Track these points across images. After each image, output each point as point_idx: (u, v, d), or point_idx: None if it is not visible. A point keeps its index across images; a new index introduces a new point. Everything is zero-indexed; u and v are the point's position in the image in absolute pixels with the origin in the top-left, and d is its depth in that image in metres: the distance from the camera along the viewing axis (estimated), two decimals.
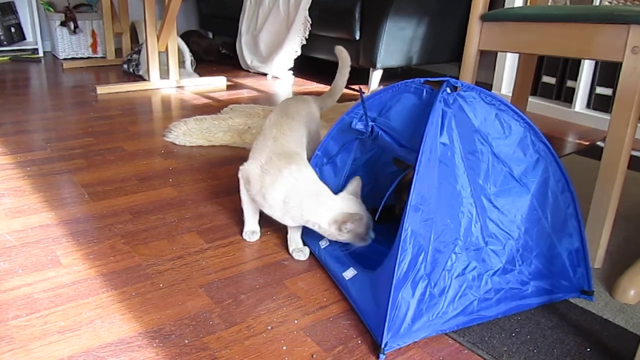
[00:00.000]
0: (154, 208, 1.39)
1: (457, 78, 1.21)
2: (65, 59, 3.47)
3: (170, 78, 2.80)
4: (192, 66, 3.11)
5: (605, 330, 0.97)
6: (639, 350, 0.83)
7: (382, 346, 0.87)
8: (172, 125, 2.03)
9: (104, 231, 1.26)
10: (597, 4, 2.28)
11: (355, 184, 1.13)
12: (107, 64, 3.38)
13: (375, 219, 1.10)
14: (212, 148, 1.88)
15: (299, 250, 1.18)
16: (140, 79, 2.88)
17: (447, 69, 3.35)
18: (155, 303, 1.00)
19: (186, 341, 0.90)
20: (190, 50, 3.15)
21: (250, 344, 0.90)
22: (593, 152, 2.00)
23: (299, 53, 2.98)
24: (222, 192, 1.51)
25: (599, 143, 2.12)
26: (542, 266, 1.02)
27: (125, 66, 3.07)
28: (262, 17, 3.14)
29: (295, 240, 1.19)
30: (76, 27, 3.44)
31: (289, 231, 1.20)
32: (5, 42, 3.52)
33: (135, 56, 2.99)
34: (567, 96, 2.52)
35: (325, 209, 1.07)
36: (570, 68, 2.49)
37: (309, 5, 2.84)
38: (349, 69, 1.52)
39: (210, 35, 4.16)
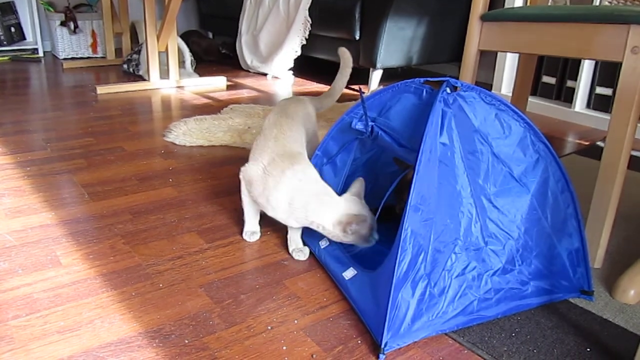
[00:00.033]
0: (154, 208, 1.39)
1: (457, 78, 1.21)
2: (65, 59, 3.47)
3: (170, 78, 2.80)
4: (192, 66, 3.11)
5: (605, 330, 0.97)
6: (639, 350, 0.83)
7: (382, 346, 0.87)
8: (172, 125, 2.03)
9: (104, 231, 1.26)
10: (597, 4, 2.28)
11: (358, 185, 1.13)
12: (107, 64, 3.38)
13: (375, 219, 1.10)
14: (212, 148, 1.88)
15: (299, 250, 1.18)
16: (140, 79, 2.88)
17: (447, 69, 3.35)
18: (155, 303, 1.00)
19: (186, 341, 0.90)
20: (190, 50, 3.15)
21: (250, 344, 0.90)
22: (593, 152, 2.00)
23: (299, 53, 2.98)
24: (222, 192, 1.51)
25: (599, 143, 2.12)
26: (542, 266, 1.02)
27: (125, 66, 3.07)
28: (262, 17, 3.14)
29: (295, 240, 1.19)
30: (76, 27, 3.44)
31: (289, 231, 1.20)
32: (5, 42, 3.53)
33: (135, 56, 2.99)
34: (567, 96, 2.52)
35: (330, 210, 1.07)
36: (570, 68, 2.49)
37: (309, 5, 2.84)
38: (350, 71, 1.51)
39: (210, 35, 4.16)
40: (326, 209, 1.07)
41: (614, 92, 2.19)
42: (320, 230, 1.09)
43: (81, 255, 1.15)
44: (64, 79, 2.93)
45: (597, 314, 1.01)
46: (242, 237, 1.24)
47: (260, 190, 1.13)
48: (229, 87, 2.87)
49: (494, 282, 0.98)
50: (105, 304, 0.99)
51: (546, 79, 2.60)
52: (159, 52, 2.75)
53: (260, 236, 1.26)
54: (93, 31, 3.55)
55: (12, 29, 3.58)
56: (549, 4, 1.97)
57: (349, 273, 1.06)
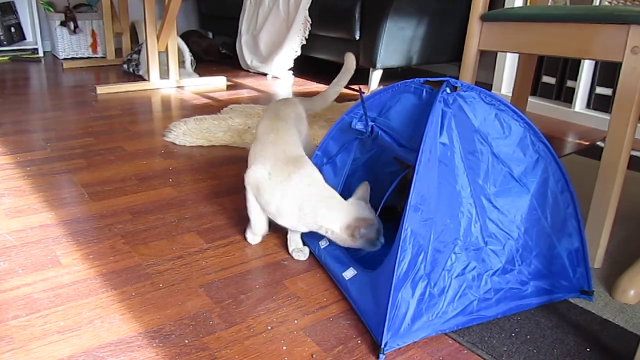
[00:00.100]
0: (154, 208, 1.39)
1: (457, 78, 1.21)
2: (65, 59, 3.47)
3: (170, 78, 2.80)
4: (192, 66, 3.11)
5: (605, 330, 0.97)
6: (638, 350, 0.83)
7: (382, 346, 0.87)
8: (172, 125, 2.03)
9: (104, 231, 1.26)
10: (597, 4, 2.28)
11: (363, 189, 1.13)
12: (107, 64, 3.38)
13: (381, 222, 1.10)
14: (212, 148, 1.89)
15: (298, 250, 1.18)
16: (140, 79, 2.88)
17: (447, 69, 3.35)
18: (155, 303, 1.00)
19: (186, 341, 0.90)
20: (190, 50, 3.15)
21: (250, 344, 0.90)
22: (593, 152, 2.00)
23: (299, 53, 2.98)
24: (222, 192, 1.51)
25: (598, 143, 2.12)
26: (542, 266, 1.02)
27: (125, 66, 3.07)
28: (262, 17, 3.14)
29: (295, 240, 1.19)
30: (76, 27, 3.44)
31: (289, 231, 1.20)
32: (5, 42, 3.53)
33: (135, 56, 2.99)
34: (567, 96, 2.52)
35: (339, 214, 1.07)
36: (570, 68, 2.49)
37: (309, 5, 2.84)
38: (349, 77, 1.47)
39: (210, 35, 4.16)
40: (335, 214, 1.07)
41: (614, 92, 2.19)
42: (328, 234, 1.09)
43: (81, 255, 1.15)
44: (63, 79, 2.93)
45: (597, 314, 1.02)
46: (244, 237, 1.24)
47: (268, 197, 1.11)
48: (229, 87, 2.87)
49: (493, 282, 0.98)
50: (105, 304, 0.99)
51: (546, 79, 2.60)
52: (159, 52, 2.75)
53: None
54: (93, 31, 3.55)
55: (12, 29, 3.58)
56: (549, 4, 1.97)
57: (348, 273, 1.06)
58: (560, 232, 1.03)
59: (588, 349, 0.92)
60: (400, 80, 1.08)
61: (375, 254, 1.14)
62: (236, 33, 3.36)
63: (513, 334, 0.95)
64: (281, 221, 1.13)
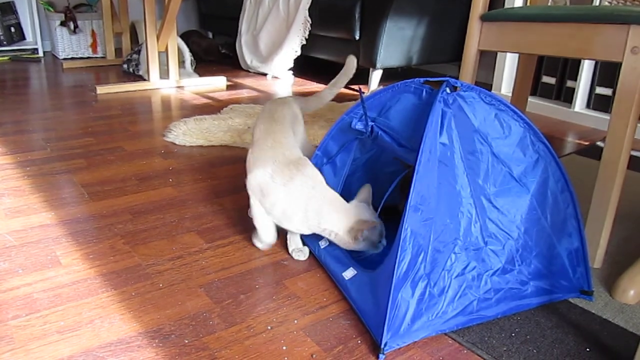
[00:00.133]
0: (154, 208, 1.39)
1: (457, 78, 1.21)
2: (65, 59, 3.47)
3: (170, 78, 2.80)
4: (192, 66, 3.11)
5: (604, 330, 0.97)
6: (638, 350, 0.83)
7: (382, 346, 0.87)
8: (172, 125, 2.03)
9: (104, 231, 1.26)
10: (597, 4, 2.28)
11: (365, 191, 1.13)
12: (107, 63, 3.38)
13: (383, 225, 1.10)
14: (212, 148, 1.89)
15: (298, 250, 1.18)
16: (140, 79, 2.88)
17: (447, 69, 3.35)
18: (155, 303, 1.00)
19: (186, 341, 0.90)
20: (190, 50, 3.15)
21: (250, 344, 0.90)
22: (593, 152, 2.00)
23: (298, 53, 2.98)
24: (222, 192, 1.51)
25: (598, 143, 2.12)
26: (542, 266, 1.02)
27: (125, 66, 3.07)
28: (262, 17, 3.14)
29: (294, 240, 1.19)
30: (76, 27, 3.44)
31: (289, 232, 1.20)
32: (5, 42, 3.53)
33: (135, 56, 2.99)
34: (567, 96, 2.52)
35: (342, 217, 1.07)
36: (570, 68, 2.49)
37: (309, 5, 2.84)
38: (347, 80, 1.45)
39: (210, 35, 4.16)
40: (339, 216, 1.07)
41: (613, 92, 2.19)
42: (332, 237, 1.09)
43: (81, 255, 1.15)
44: (63, 79, 2.93)
45: (597, 314, 1.02)
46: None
47: (273, 199, 1.10)
48: (228, 87, 2.87)
49: (493, 282, 0.98)
50: (105, 303, 0.99)
51: (546, 79, 2.60)
52: (159, 52, 2.75)
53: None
54: (93, 31, 3.55)
55: (12, 29, 3.58)
56: (549, 4, 1.97)
57: (348, 273, 1.06)
58: (560, 232, 1.03)
59: (588, 349, 0.92)
60: (400, 80, 1.08)
61: (375, 254, 1.14)
62: (236, 33, 3.36)
63: (513, 334, 0.95)
64: (287, 224, 1.12)
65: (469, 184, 0.97)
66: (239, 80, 3.06)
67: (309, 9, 2.84)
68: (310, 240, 1.20)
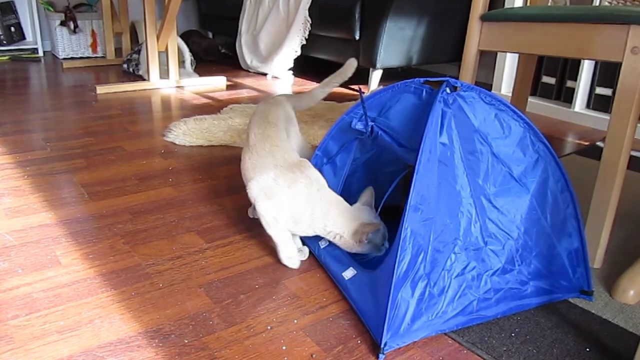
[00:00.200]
0: (153, 208, 1.39)
1: (457, 78, 1.21)
2: (65, 59, 3.47)
3: (170, 78, 2.80)
4: (192, 66, 3.11)
5: (604, 330, 0.97)
6: (638, 350, 0.83)
7: (382, 346, 0.87)
8: (172, 125, 2.03)
9: (104, 231, 1.26)
10: (597, 4, 2.28)
11: (368, 194, 1.13)
12: (107, 63, 3.38)
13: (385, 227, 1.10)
14: (212, 148, 1.88)
15: (298, 250, 1.18)
16: (140, 78, 2.88)
17: (447, 69, 3.35)
18: (155, 303, 1.00)
19: (186, 341, 0.90)
20: (190, 50, 3.15)
21: (249, 343, 0.90)
22: (593, 152, 2.00)
23: (298, 53, 2.98)
24: (222, 192, 1.51)
25: (598, 143, 2.12)
26: (542, 266, 1.02)
27: (125, 66, 3.07)
28: (262, 17, 3.15)
29: (295, 240, 1.19)
30: (76, 26, 3.44)
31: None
32: (5, 42, 3.52)
33: (135, 56, 2.99)
34: (567, 96, 2.52)
35: (347, 220, 1.07)
36: (570, 68, 2.49)
37: (309, 5, 2.84)
38: (342, 80, 1.43)
39: (210, 35, 4.16)
40: (344, 219, 1.07)
41: (613, 92, 2.19)
42: (336, 240, 1.09)
43: (81, 255, 1.15)
44: (63, 79, 2.93)
45: (597, 314, 1.01)
46: (282, 262, 1.14)
47: (279, 200, 1.09)
48: (228, 87, 2.87)
49: (493, 282, 0.98)
50: (104, 303, 0.99)
51: (546, 79, 2.60)
52: (159, 52, 2.75)
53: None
54: (93, 31, 3.55)
55: (12, 29, 3.58)
56: (549, 4, 1.97)
57: (348, 273, 1.06)
58: (560, 232, 1.03)
59: (588, 349, 0.92)
60: (400, 80, 1.08)
61: (374, 255, 1.14)
62: (236, 33, 3.36)
63: (513, 334, 0.95)
64: (296, 229, 1.11)
65: (469, 184, 0.97)
66: (239, 80, 3.06)
67: (309, 9, 2.84)
68: (310, 240, 1.20)
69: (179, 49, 2.96)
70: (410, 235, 0.88)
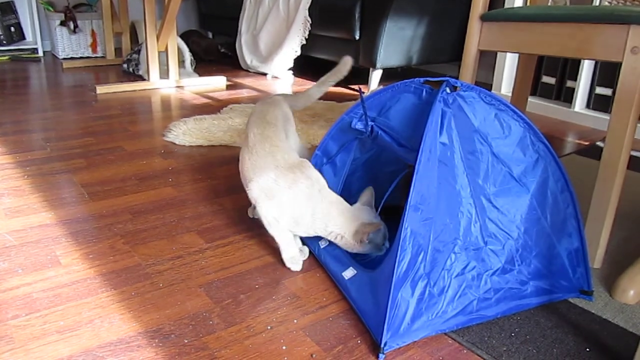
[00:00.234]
0: (153, 208, 1.39)
1: (457, 78, 1.21)
2: (64, 59, 3.47)
3: (170, 78, 2.80)
4: (191, 66, 3.11)
5: (604, 330, 0.97)
6: (638, 350, 0.83)
7: (382, 346, 0.87)
8: (172, 125, 2.03)
9: (104, 231, 1.26)
10: (597, 4, 2.28)
11: (368, 194, 1.13)
12: (107, 63, 3.38)
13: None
14: (211, 148, 1.88)
15: (298, 250, 1.18)
16: (140, 78, 2.88)
17: (447, 69, 3.35)
18: (155, 303, 1.00)
19: (185, 341, 0.90)
20: (190, 50, 3.15)
21: (249, 343, 0.90)
22: (593, 152, 2.00)
23: (298, 53, 2.98)
24: (221, 192, 1.51)
25: (598, 143, 2.12)
26: (542, 266, 1.02)
27: (125, 66, 3.07)
28: (261, 17, 3.15)
29: (295, 239, 1.19)
30: (76, 26, 3.44)
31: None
32: (4, 42, 3.52)
33: (135, 56, 2.99)
34: (566, 96, 2.52)
35: (348, 220, 1.07)
36: (570, 68, 2.49)
37: (309, 5, 2.84)
38: (338, 79, 1.43)
39: (210, 35, 4.16)
40: (345, 220, 1.07)
41: (613, 92, 2.19)
42: (337, 240, 1.09)
43: (81, 255, 1.15)
44: (63, 79, 2.93)
45: (597, 314, 1.01)
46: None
47: (279, 201, 1.09)
48: (228, 87, 2.87)
49: (493, 281, 0.98)
50: (104, 303, 0.99)
51: (546, 79, 2.60)
52: (159, 52, 2.75)
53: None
54: (93, 31, 3.55)
55: (12, 29, 3.58)
56: (549, 4, 1.97)
57: (348, 273, 1.06)
58: (560, 232, 1.03)
59: (588, 349, 0.92)
60: (400, 80, 1.08)
61: (374, 255, 1.14)
62: (236, 33, 3.36)
63: (513, 334, 0.95)
64: (297, 229, 1.11)
65: (469, 184, 0.97)
66: (239, 80, 3.06)
67: (309, 9, 2.84)
68: (310, 240, 1.20)
69: (179, 49, 2.95)
70: (410, 235, 0.88)
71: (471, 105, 0.97)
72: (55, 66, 3.29)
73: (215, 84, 2.91)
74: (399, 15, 2.65)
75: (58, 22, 3.43)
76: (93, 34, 3.55)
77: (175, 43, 2.77)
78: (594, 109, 2.42)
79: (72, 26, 3.42)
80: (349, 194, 1.19)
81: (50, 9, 3.53)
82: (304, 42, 2.92)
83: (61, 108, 2.32)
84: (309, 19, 2.85)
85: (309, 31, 2.88)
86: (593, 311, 1.02)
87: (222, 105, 2.42)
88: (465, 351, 0.91)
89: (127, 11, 3.40)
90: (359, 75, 2.99)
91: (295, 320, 0.97)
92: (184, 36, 3.44)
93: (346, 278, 1.05)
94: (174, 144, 1.90)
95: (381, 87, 1.18)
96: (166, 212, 1.37)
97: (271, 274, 1.11)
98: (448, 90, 0.96)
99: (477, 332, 0.95)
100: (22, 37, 3.66)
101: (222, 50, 3.60)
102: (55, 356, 0.85)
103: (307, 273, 1.13)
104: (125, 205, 1.40)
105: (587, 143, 2.13)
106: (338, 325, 0.96)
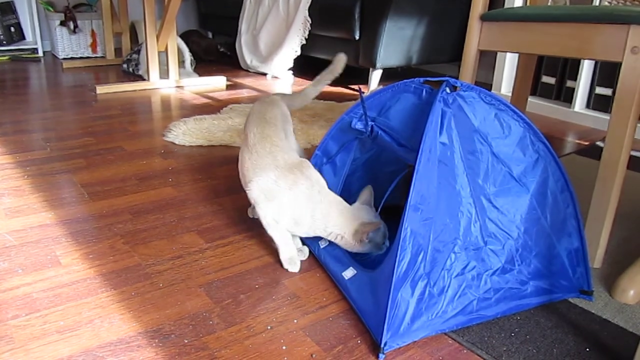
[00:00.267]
0: (153, 208, 1.39)
1: (457, 78, 1.21)
2: (64, 59, 3.47)
3: (170, 78, 2.80)
4: (191, 66, 3.11)
5: (604, 330, 0.97)
6: (638, 350, 0.83)
7: (382, 346, 0.87)
8: (172, 125, 2.03)
9: (104, 231, 1.26)
10: (597, 4, 2.28)
11: (367, 193, 1.13)
12: (107, 63, 3.38)
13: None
14: (211, 148, 1.88)
15: (298, 250, 1.18)
16: (140, 78, 2.88)
17: (447, 69, 3.35)
18: (155, 303, 1.00)
19: (185, 341, 0.90)
20: (190, 50, 3.15)
21: (249, 343, 0.90)
22: (593, 152, 2.00)
23: (298, 53, 2.98)
24: (221, 191, 1.51)
25: (598, 143, 2.12)
26: (542, 266, 1.02)
27: (125, 66, 3.07)
28: (261, 17, 3.15)
29: (294, 240, 1.19)
30: (76, 26, 3.44)
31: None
32: (4, 42, 3.52)
33: (134, 56, 2.99)
34: (566, 96, 2.52)
35: (348, 220, 1.07)
36: (570, 68, 2.49)
37: (308, 5, 2.84)
38: (333, 77, 1.42)
39: (210, 35, 4.16)
40: (344, 220, 1.07)
41: (613, 92, 2.19)
42: (337, 240, 1.09)
43: (81, 255, 1.15)
44: (63, 79, 2.93)
45: (597, 314, 1.02)
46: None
47: (279, 201, 1.09)
48: (228, 87, 2.87)
49: (493, 281, 0.98)
50: (104, 303, 0.99)
51: (546, 79, 2.60)
52: (159, 52, 2.75)
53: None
54: (93, 31, 3.54)
55: (12, 29, 3.58)
56: (549, 4, 1.97)
57: (348, 273, 1.06)
58: (560, 232, 1.03)
59: (587, 349, 0.92)
60: (400, 80, 1.08)
61: (374, 254, 1.14)
62: (236, 33, 3.36)
63: (513, 334, 0.95)
64: (297, 230, 1.11)
65: (469, 184, 0.97)
66: (239, 80, 3.06)
67: (309, 9, 2.84)
68: (310, 240, 1.20)
69: (179, 49, 2.95)
70: (410, 235, 0.88)
71: (471, 105, 0.97)
72: (55, 66, 3.29)
73: (215, 84, 2.91)
74: (399, 15, 2.65)
75: (58, 22, 3.43)
76: (93, 34, 3.55)
77: (175, 43, 2.77)
78: (594, 108, 2.42)
79: (72, 26, 3.42)
80: (349, 194, 1.19)
81: (50, 9, 3.53)
82: (304, 42, 2.92)
83: (61, 108, 2.32)
84: (309, 19, 2.85)
85: (309, 31, 2.88)
86: (593, 311, 1.02)
87: (222, 105, 2.42)
88: (465, 351, 0.91)
89: (127, 11, 3.40)
90: (359, 75, 2.99)
91: (295, 320, 0.97)
92: (184, 36, 3.43)
93: (346, 278, 1.05)
94: (174, 144, 1.90)
95: (381, 87, 1.18)
96: (166, 212, 1.37)
97: (271, 274, 1.11)
98: (448, 90, 0.96)
99: (477, 332, 0.95)
100: (22, 37, 3.66)
101: (221, 49, 3.60)
102: (55, 356, 0.85)
103: (307, 273, 1.13)
104: (125, 205, 1.40)
105: (587, 143, 2.13)
106: (338, 325, 0.96)
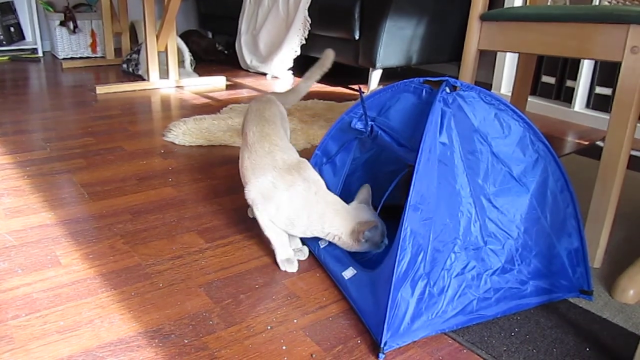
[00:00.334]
0: (153, 208, 1.39)
1: (457, 78, 1.21)
2: (64, 59, 3.47)
3: (170, 78, 2.80)
4: (191, 66, 3.11)
5: (604, 330, 0.97)
6: (638, 349, 0.83)
7: (382, 345, 0.87)
8: (172, 125, 2.03)
9: (104, 231, 1.26)
10: (597, 3, 2.28)
11: (364, 192, 1.13)
12: (107, 63, 3.38)
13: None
14: (211, 148, 1.88)
15: (298, 250, 1.18)
16: (140, 78, 2.88)
17: (447, 68, 3.35)
18: (155, 303, 1.00)
19: (185, 341, 0.90)
20: (190, 50, 3.15)
21: (249, 343, 0.90)
22: (592, 152, 2.00)
23: (298, 53, 2.98)
24: (221, 191, 1.51)
25: (598, 143, 2.12)
26: (542, 266, 1.02)
27: (125, 66, 3.07)
28: (261, 17, 3.14)
29: (294, 240, 1.19)
30: (75, 26, 3.44)
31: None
32: (4, 42, 3.52)
33: (134, 56, 2.99)
34: (566, 96, 2.52)
35: (344, 220, 1.07)
36: (570, 68, 2.49)
37: (308, 5, 2.84)
38: (323, 72, 1.42)
39: (210, 35, 4.16)
40: (341, 219, 1.07)
41: (613, 92, 2.19)
42: (335, 240, 1.09)
43: (81, 255, 1.15)
44: (63, 79, 2.93)
45: (597, 314, 1.02)
46: (278, 265, 1.14)
47: (276, 204, 1.09)
48: (228, 87, 2.87)
49: (493, 281, 0.98)
50: (104, 303, 0.99)
51: (546, 78, 2.60)
52: (159, 52, 2.75)
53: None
54: (92, 31, 3.54)
55: (12, 29, 3.57)
56: (549, 3, 1.97)
57: (348, 272, 1.06)
58: (559, 232, 1.03)
59: (587, 349, 0.92)
60: (399, 80, 1.08)
61: (375, 253, 1.14)
62: (236, 33, 3.36)
63: (513, 334, 0.95)
64: (293, 231, 1.11)
65: (469, 184, 0.97)
66: (239, 80, 3.06)
67: (309, 9, 2.84)
68: (310, 240, 1.20)
69: (179, 49, 2.95)
70: (410, 235, 0.88)
71: (471, 105, 0.97)
72: (55, 66, 3.29)
73: (215, 84, 2.91)
74: (399, 15, 2.65)
75: (58, 22, 3.43)
76: (93, 34, 3.55)
77: (174, 43, 2.77)
78: (594, 108, 2.42)
79: (71, 26, 3.42)
80: (349, 194, 1.19)
81: (50, 9, 3.53)
82: (304, 42, 2.92)
83: (61, 108, 2.32)
84: (309, 18, 2.85)
85: (309, 31, 2.88)
86: (593, 311, 1.02)
87: (222, 105, 2.42)
88: (465, 351, 0.91)
89: (127, 11, 3.40)
90: (358, 75, 2.99)
91: (295, 320, 0.97)
92: (184, 36, 3.43)
93: (346, 278, 1.05)
94: (174, 143, 1.90)
95: (381, 86, 1.18)
96: (166, 212, 1.37)
97: (271, 274, 1.11)
98: (448, 90, 0.96)
99: (477, 331, 0.95)
100: (22, 37, 3.66)
101: (219, 48, 3.60)
102: (55, 356, 0.85)
103: (307, 273, 1.13)
104: (125, 205, 1.40)
105: (586, 143, 2.13)
106: (338, 325, 0.96)
